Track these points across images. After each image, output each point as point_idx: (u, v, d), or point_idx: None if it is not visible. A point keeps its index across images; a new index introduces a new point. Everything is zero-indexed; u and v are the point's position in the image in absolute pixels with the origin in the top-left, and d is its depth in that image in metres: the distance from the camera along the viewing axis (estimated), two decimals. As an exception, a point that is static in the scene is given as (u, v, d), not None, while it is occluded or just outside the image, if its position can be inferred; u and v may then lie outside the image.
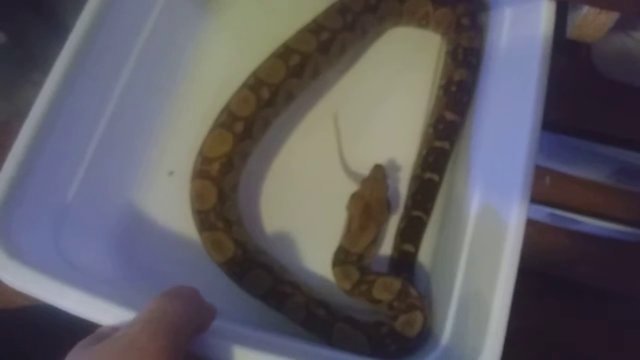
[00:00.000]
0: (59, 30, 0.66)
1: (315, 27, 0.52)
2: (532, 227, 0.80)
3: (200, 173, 0.48)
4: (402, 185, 0.53)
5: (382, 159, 0.52)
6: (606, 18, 0.47)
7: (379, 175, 0.49)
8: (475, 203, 0.45)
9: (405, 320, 0.44)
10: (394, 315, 0.45)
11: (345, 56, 0.55)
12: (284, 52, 0.50)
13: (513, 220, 0.39)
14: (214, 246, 0.46)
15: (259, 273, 0.46)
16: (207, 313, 0.35)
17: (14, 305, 0.65)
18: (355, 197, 0.49)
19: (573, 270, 0.80)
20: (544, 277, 0.79)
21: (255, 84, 0.49)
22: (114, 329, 0.33)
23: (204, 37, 0.59)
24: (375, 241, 0.48)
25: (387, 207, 0.49)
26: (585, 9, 0.47)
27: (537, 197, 0.71)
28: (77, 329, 0.34)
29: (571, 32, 0.50)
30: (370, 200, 0.48)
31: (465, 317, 0.40)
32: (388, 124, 0.55)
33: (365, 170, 0.50)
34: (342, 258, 0.47)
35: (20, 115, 0.43)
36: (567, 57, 0.60)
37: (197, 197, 0.48)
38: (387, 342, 0.43)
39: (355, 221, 0.48)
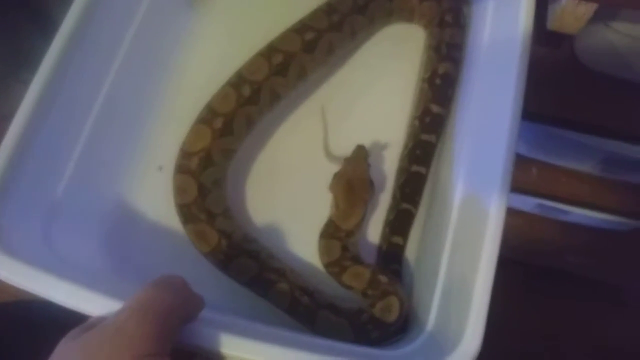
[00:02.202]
0: (47, 28, 0.66)
1: (300, 27, 0.52)
2: (521, 218, 0.81)
3: (181, 167, 0.49)
4: (388, 168, 0.54)
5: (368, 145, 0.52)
6: (585, 9, 0.48)
7: (360, 155, 0.50)
8: (458, 193, 0.46)
9: (382, 306, 0.45)
10: (372, 302, 0.46)
11: (334, 56, 0.56)
12: (268, 51, 0.51)
13: (494, 208, 0.39)
14: (198, 237, 0.47)
15: (244, 261, 0.47)
16: (196, 302, 0.35)
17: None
18: (337, 177, 0.49)
19: (560, 259, 0.81)
20: (532, 267, 0.81)
21: (237, 81, 0.50)
22: (103, 319, 0.33)
23: (193, 33, 0.60)
24: (364, 218, 0.49)
25: (370, 185, 0.49)
26: (565, 0, 0.48)
27: (524, 188, 0.72)
28: (62, 323, 0.34)
29: (551, 23, 0.51)
30: (352, 178, 0.48)
31: (449, 303, 0.41)
32: (374, 115, 0.56)
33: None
34: (331, 232, 0.48)
35: (8, 114, 0.43)
36: (550, 49, 0.62)
37: (179, 191, 0.49)
38: (369, 328, 0.44)
39: (342, 200, 0.48)
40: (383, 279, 0.46)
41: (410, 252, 0.51)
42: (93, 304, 0.36)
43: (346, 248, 0.48)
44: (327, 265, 0.48)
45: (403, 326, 0.45)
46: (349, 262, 0.47)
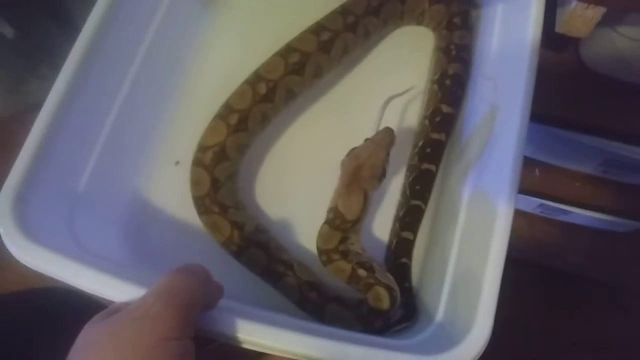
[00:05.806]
0: (65, 25, 0.67)
1: (316, 28, 0.54)
2: (523, 219, 0.82)
3: (196, 161, 0.51)
4: (397, 166, 0.55)
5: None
6: (593, 13, 0.49)
7: (384, 139, 0.46)
8: (467, 189, 0.47)
9: (372, 297, 0.46)
10: (363, 295, 0.46)
11: (348, 56, 0.57)
12: (284, 51, 0.53)
13: (503, 204, 0.41)
14: (212, 228, 0.49)
15: (254, 252, 0.48)
16: (216, 290, 0.36)
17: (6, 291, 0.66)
18: (350, 155, 0.47)
19: (562, 259, 0.82)
20: (534, 267, 0.82)
21: (254, 79, 0.52)
22: (127, 304, 0.34)
23: (212, 34, 0.61)
24: (367, 206, 0.47)
25: (380, 177, 0.46)
26: (573, 4, 0.49)
27: (527, 188, 0.73)
28: (81, 311, 0.35)
29: (560, 26, 0.52)
30: (363, 163, 0.45)
31: (458, 295, 0.42)
32: (385, 113, 0.57)
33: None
34: (337, 224, 0.47)
35: (27, 109, 0.43)
36: (557, 52, 0.63)
37: (193, 184, 0.50)
38: (371, 319, 0.45)
39: (343, 182, 0.46)
40: (362, 273, 0.46)
41: (419, 245, 0.52)
42: (116, 290, 0.37)
43: (343, 241, 0.47)
44: (318, 251, 0.48)
45: (409, 313, 0.46)
46: (337, 256, 0.47)
